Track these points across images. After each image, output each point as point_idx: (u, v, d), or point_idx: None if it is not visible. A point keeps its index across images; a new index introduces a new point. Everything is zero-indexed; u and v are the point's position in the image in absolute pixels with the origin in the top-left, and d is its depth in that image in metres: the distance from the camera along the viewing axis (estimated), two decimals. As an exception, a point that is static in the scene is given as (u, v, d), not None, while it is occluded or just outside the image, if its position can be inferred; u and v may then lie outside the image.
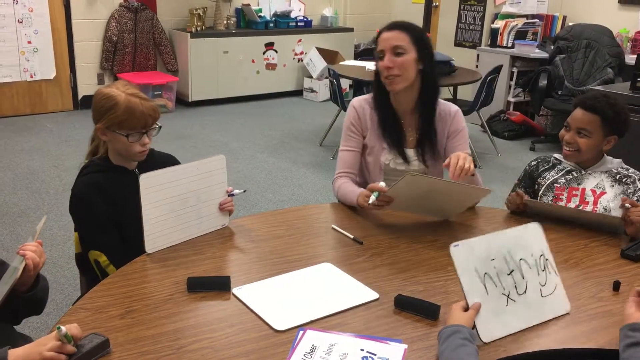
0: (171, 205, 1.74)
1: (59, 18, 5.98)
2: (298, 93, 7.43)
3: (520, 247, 1.46)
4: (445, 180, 1.88)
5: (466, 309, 1.35)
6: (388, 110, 2.19)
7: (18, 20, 5.77)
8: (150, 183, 1.68)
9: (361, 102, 2.23)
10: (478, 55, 6.39)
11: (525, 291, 1.45)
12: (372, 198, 1.90)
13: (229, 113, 6.49)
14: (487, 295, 1.38)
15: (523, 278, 1.45)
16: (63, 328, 1.21)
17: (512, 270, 1.44)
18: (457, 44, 6.77)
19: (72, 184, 4.30)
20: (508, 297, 1.41)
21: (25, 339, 1.62)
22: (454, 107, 2.24)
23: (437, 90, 2.20)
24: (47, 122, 5.83)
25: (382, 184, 1.92)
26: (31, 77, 5.96)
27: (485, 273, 1.39)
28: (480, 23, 6.53)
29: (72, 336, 1.23)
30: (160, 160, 1.97)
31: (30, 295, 1.56)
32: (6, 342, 1.46)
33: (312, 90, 7.29)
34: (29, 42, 5.87)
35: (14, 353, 1.23)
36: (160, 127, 1.87)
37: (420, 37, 2.11)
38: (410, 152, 2.20)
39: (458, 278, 1.36)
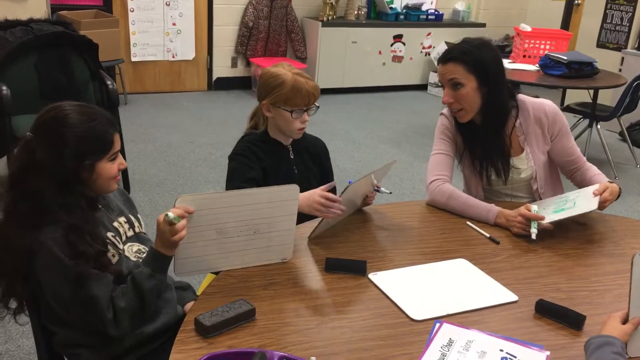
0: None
1: (202, 2, 6.32)
2: (422, 87, 7.35)
3: None
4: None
5: (625, 321, 1.27)
6: (472, 134, 2.08)
7: (166, 3, 6.17)
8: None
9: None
10: (623, 58, 5.96)
11: None
12: (534, 231, 1.79)
13: (353, 103, 6.56)
14: None
15: None
16: (170, 214, 1.36)
17: None
18: (600, 45, 6.36)
19: (205, 159, 4.56)
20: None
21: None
22: (548, 106, 2.08)
23: (505, 111, 2.04)
24: (184, 100, 6.21)
25: (535, 207, 1.84)
26: (173, 57, 6.36)
27: None
28: (628, 24, 6.08)
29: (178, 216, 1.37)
30: (311, 141, 2.08)
31: None
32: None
33: (437, 85, 7.16)
34: (174, 24, 6.26)
35: (156, 245, 1.43)
36: (318, 106, 1.95)
37: (477, 61, 1.95)
38: (516, 160, 2.10)
39: (630, 287, 1.27)
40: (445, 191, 2.02)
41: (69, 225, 1.39)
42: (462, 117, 2.04)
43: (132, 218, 1.64)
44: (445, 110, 2.16)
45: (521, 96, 2.10)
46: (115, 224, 1.56)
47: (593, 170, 2.10)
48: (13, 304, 1.50)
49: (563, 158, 2.13)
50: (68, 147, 1.41)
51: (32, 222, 1.39)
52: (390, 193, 1.99)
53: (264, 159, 1.95)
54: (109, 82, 3.67)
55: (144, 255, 1.58)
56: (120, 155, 1.52)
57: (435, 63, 7.12)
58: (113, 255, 1.49)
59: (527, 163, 2.10)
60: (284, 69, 1.91)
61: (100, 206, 1.54)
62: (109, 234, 1.51)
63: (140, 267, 1.43)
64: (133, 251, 1.57)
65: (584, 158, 2.15)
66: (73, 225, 1.39)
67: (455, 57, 1.97)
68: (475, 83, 1.97)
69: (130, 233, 1.60)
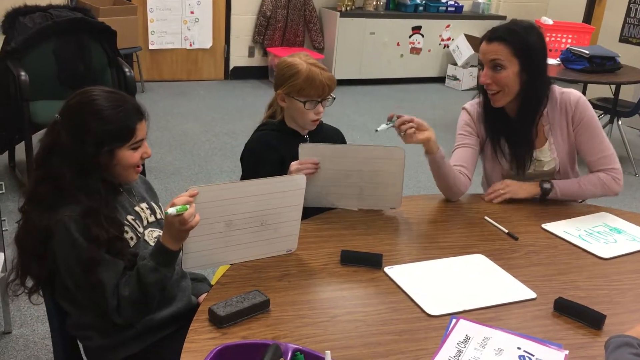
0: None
1: (220, -10, 6.31)
2: (440, 80, 7.27)
3: None
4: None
5: None
6: (499, 122, 2.02)
7: (184, -9, 6.16)
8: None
9: (474, 107, 2.08)
10: (646, 53, 5.86)
11: None
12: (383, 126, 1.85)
13: (370, 94, 6.51)
14: None
15: None
16: (170, 210, 1.31)
17: None
18: (623, 39, 6.24)
19: (220, 148, 4.55)
20: None
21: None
22: (575, 95, 2.01)
23: (539, 102, 1.98)
24: (200, 89, 6.21)
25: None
26: (190, 45, 6.35)
27: None
28: (652, 18, 5.97)
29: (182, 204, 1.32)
30: (328, 131, 2.06)
31: None
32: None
33: (455, 78, 7.10)
34: (192, 12, 6.25)
35: (164, 238, 1.40)
36: (334, 98, 1.92)
37: (524, 46, 1.88)
38: (539, 153, 2.05)
39: None
40: None
41: (87, 207, 1.39)
42: (497, 101, 1.97)
43: (154, 205, 1.64)
44: (467, 105, 2.11)
45: (552, 85, 2.03)
46: (137, 208, 1.57)
47: (590, 177, 2.03)
48: (30, 283, 1.51)
49: (582, 155, 2.06)
50: (89, 132, 1.42)
51: (51, 203, 1.41)
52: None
53: (280, 149, 1.93)
54: (126, 70, 3.67)
55: None
56: (145, 144, 1.51)
57: (454, 55, 7.05)
58: (131, 238, 1.49)
59: (550, 155, 2.05)
60: (300, 59, 1.89)
61: (122, 190, 1.55)
62: (129, 217, 1.52)
63: (146, 258, 1.42)
64: (153, 236, 1.57)
65: (610, 165, 2.03)
66: (90, 207, 1.40)
67: (502, 38, 1.89)
68: (517, 67, 1.90)
69: (151, 219, 1.60)
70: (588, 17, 7.05)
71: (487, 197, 2.03)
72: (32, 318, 2.47)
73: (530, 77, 1.92)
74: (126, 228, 1.49)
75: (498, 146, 2.06)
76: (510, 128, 2.02)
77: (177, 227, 1.35)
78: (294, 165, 1.79)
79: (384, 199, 1.86)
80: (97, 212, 1.40)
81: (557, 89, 2.03)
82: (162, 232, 1.59)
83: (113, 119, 1.43)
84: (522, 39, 1.89)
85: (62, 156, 1.42)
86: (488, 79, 1.93)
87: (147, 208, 1.60)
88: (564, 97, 2.01)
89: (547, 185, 2.00)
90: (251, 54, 6.64)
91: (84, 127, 1.42)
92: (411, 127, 1.81)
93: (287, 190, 1.52)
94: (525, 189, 2.02)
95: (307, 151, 1.78)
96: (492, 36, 1.92)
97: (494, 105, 1.99)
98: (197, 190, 1.37)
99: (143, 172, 3.90)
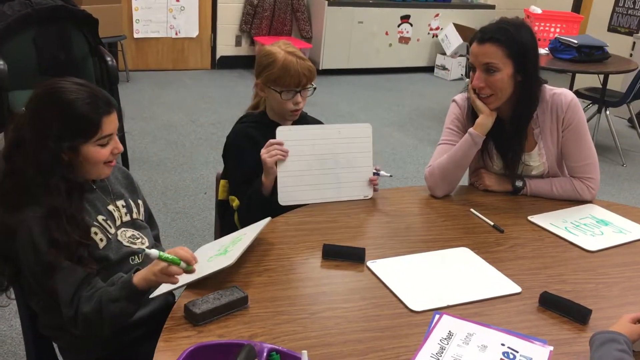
0: (308, 163, 1.81)
1: (206, -21, 6.21)
2: (429, 69, 7.23)
3: None
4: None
5: (637, 321, 1.21)
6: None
7: (169, -21, 6.06)
8: (286, 136, 1.77)
9: (465, 101, 2.00)
10: (634, 43, 5.84)
11: None
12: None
13: (358, 84, 6.46)
14: None
15: None
16: (151, 252, 1.25)
17: None
18: (611, 29, 6.23)
19: (206, 139, 4.49)
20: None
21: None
22: (566, 97, 1.91)
23: (532, 104, 1.90)
24: (186, 79, 6.12)
25: None
26: (176, 34, 6.26)
27: None
28: (641, 8, 5.95)
29: (179, 258, 1.27)
30: (310, 123, 2.01)
31: None
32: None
33: (444, 68, 7.06)
34: (177, 1, 6.14)
35: (137, 275, 1.32)
36: (315, 88, 1.87)
37: (517, 45, 1.79)
38: (527, 157, 1.98)
39: None
40: (434, 170, 1.94)
41: (49, 208, 1.33)
42: (490, 104, 1.88)
43: (132, 203, 1.57)
44: (457, 97, 2.03)
45: (543, 85, 1.95)
46: (111, 207, 1.50)
47: (564, 182, 1.98)
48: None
49: (564, 157, 1.98)
50: (50, 126, 1.34)
51: (14, 202, 1.34)
52: (391, 176, 1.94)
53: (261, 141, 1.88)
54: (108, 59, 3.59)
55: (138, 240, 1.53)
56: (115, 139, 1.43)
57: (443, 44, 7.01)
58: (101, 240, 1.44)
59: (539, 160, 1.97)
60: (279, 47, 1.84)
61: (95, 187, 1.48)
62: (100, 218, 1.46)
63: (115, 284, 1.33)
64: (127, 236, 1.51)
65: (589, 174, 1.95)
66: (52, 208, 1.33)
67: (495, 38, 1.79)
68: (511, 69, 1.81)
69: (126, 218, 1.54)
70: (577, 6, 7.02)
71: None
72: (10, 314, 2.42)
73: (524, 78, 1.84)
74: (95, 229, 1.43)
75: (486, 149, 1.98)
76: (500, 131, 1.93)
77: (157, 273, 1.28)
78: (262, 152, 1.77)
79: (358, 185, 1.88)
80: (58, 214, 1.32)
81: (548, 89, 1.94)
82: (136, 232, 1.53)
83: (75, 112, 1.35)
84: (514, 39, 1.80)
85: (25, 152, 1.34)
86: (481, 82, 1.84)
87: (123, 206, 1.54)
88: (555, 98, 1.92)
89: (519, 184, 1.97)
90: (238, 43, 6.56)
91: (45, 120, 1.34)
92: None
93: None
94: (497, 184, 2.00)
95: (284, 135, 1.78)
96: (483, 37, 1.82)
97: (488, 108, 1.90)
98: (198, 259, 1.34)
99: (126, 164, 3.85)
